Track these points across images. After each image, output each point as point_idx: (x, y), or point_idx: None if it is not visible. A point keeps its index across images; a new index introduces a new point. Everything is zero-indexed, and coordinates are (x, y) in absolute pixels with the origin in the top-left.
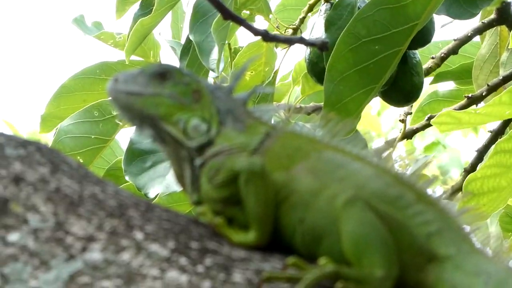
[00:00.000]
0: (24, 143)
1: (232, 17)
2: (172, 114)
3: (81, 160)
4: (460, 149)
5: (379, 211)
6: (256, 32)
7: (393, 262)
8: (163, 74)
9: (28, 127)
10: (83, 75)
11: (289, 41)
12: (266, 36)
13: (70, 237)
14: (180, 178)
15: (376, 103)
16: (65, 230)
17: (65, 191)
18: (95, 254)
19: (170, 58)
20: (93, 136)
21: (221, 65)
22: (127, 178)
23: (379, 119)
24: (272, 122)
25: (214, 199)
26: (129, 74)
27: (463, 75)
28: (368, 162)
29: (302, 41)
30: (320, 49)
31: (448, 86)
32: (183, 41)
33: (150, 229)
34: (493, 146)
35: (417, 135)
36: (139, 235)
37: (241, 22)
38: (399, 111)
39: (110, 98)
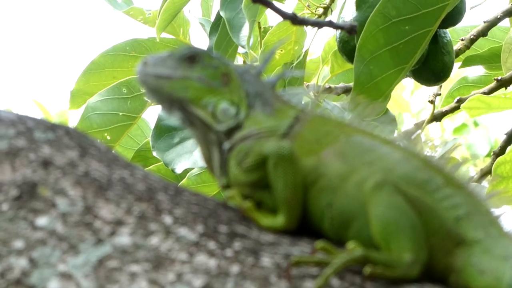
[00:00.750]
0: (53, 127)
1: (260, 1)
2: (201, 97)
3: (108, 137)
4: (490, 126)
5: (407, 194)
6: (284, 15)
7: (422, 246)
8: (192, 57)
9: (57, 106)
10: (114, 52)
11: (318, 24)
12: (295, 20)
13: (98, 221)
14: (208, 161)
15: (408, 84)
16: (94, 214)
17: (93, 175)
18: (123, 238)
19: (199, 35)
20: (121, 113)
21: (251, 41)
22: (154, 154)
23: (410, 101)
24: (301, 104)
25: (243, 183)
26: (158, 57)
27: (492, 59)
28: (396, 146)
29: (331, 24)
30: (349, 32)
31: (477, 71)
32: (212, 18)
33: (178, 213)
34: None
35: (449, 118)
36: (167, 219)
37: (269, 4)
38: (429, 92)
39: (139, 80)
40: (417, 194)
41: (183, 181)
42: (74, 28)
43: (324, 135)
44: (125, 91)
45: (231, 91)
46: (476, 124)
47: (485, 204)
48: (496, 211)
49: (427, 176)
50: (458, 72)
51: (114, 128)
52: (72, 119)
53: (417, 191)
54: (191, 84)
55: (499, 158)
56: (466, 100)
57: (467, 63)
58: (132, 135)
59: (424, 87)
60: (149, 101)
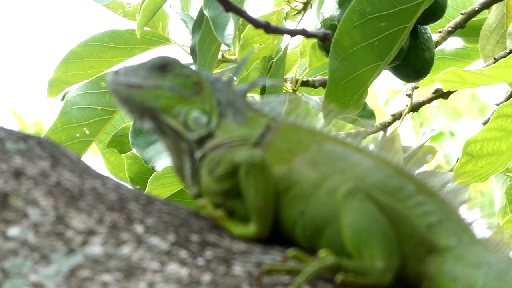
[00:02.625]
0: (24, 137)
1: (233, 9)
2: (172, 106)
3: (87, 132)
4: (466, 137)
5: (379, 202)
6: (257, 24)
7: (394, 253)
8: (163, 66)
9: (33, 115)
10: (92, 42)
11: (291, 33)
12: (268, 28)
13: (70, 231)
14: (179, 171)
15: (382, 94)
16: (66, 224)
17: (65, 185)
18: (95, 248)
19: (178, 29)
20: (99, 108)
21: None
22: (134, 151)
23: (384, 109)
24: (273, 113)
25: (215, 191)
26: (129, 66)
27: (470, 33)
28: (368, 153)
29: (304, 33)
30: (322, 40)
31: (455, 44)
32: (191, 12)
33: (150, 222)
34: (497, 109)
35: (424, 125)
36: (139, 229)
37: (242, 14)
38: (404, 102)
39: (110, 90)
40: (389, 201)
41: (158, 172)
42: (54, 23)
43: (296, 143)
44: (103, 85)
45: (203, 100)
46: (452, 134)
47: (457, 211)
48: (468, 218)
49: (399, 183)
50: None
51: (93, 122)
52: (47, 125)
53: (389, 199)
54: (162, 93)
55: (470, 137)
56: (442, 72)
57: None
58: (113, 121)
59: (398, 96)
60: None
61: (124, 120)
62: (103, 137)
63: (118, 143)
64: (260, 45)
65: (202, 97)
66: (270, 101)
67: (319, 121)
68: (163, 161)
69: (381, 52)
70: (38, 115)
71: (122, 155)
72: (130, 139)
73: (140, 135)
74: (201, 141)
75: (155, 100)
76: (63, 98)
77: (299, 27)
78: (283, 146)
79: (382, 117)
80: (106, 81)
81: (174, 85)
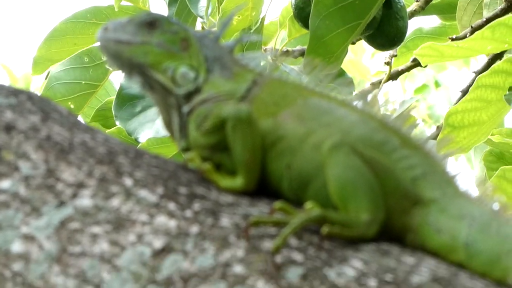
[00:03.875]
0: (15, 92)
1: None
2: (160, 62)
3: (72, 106)
4: (451, 87)
5: (364, 156)
6: None
7: (379, 206)
8: (151, 23)
9: (22, 69)
10: (74, 19)
11: None
12: None
13: (60, 183)
14: (168, 125)
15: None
16: (56, 177)
17: (55, 138)
18: (85, 201)
19: (158, 3)
20: (83, 82)
21: (209, 11)
22: (117, 123)
23: (369, 66)
24: (259, 68)
25: (202, 145)
26: (118, 22)
27: (446, 10)
28: (353, 108)
29: None
30: None
31: (432, 23)
32: None
33: (139, 176)
34: (476, 80)
35: (408, 77)
36: (128, 182)
37: None
38: (386, 54)
39: (100, 46)
40: (374, 155)
41: (143, 143)
42: None
43: (282, 97)
44: (86, 60)
45: (190, 56)
46: (437, 84)
47: (441, 164)
48: (452, 171)
49: (384, 137)
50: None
51: (77, 96)
52: (35, 82)
53: (374, 152)
54: (150, 49)
55: (450, 108)
56: (419, 47)
57: (422, 13)
58: (97, 95)
59: (381, 53)
60: (110, 68)
61: (108, 94)
62: (88, 111)
63: (102, 117)
64: (239, 17)
65: (189, 53)
66: (256, 57)
67: (304, 75)
68: (146, 132)
69: (361, 11)
70: (27, 70)
71: (107, 131)
72: (113, 112)
73: (123, 107)
74: (189, 96)
75: (144, 56)
76: (47, 76)
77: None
78: (269, 100)
79: (366, 73)
80: (95, 36)
81: (162, 41)
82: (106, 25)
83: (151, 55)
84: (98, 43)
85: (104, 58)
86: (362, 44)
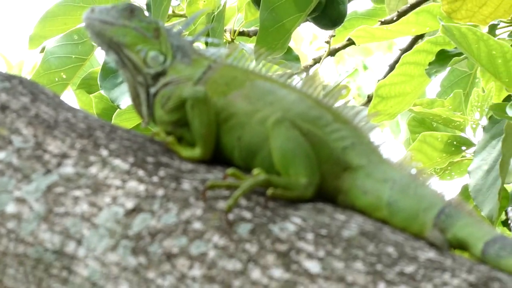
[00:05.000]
0: (9, 77)
1: None
2: (136, 44)
3: (64, 76)
4: (377, 69)
5: (302, 129)
6: None
7: (315, 171)
8: (132, 10)
9: (17, 57)
10: (65, 3)
11: None
12: None
13: (47, 154)
14: (134, 99)
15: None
16: (43, 149)
17: (43, 116)
18: (68, 169)
19: None
20: (73, 56)
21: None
22: (102, 92)
23: (307, 51)
24: (214, 56)
25: (166, 121)
26: (103, 7)
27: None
28: (293, 88)
29: None
30: None
31: (366, 6)
32: None
33: (113, 147)
34: (402, 58)
35: (340, 62)
36: (104, 152)
37: None
38: (325, 37)
39: (85, 24)
40: (310, 128)
41: (118, 112)
42: None
43: (232, 80)
44: (76, 38)
45: (160, 43)
46: (365, 67)
47: (368, 135)
48: (377, 140)
49: (319, 113)
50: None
51: (69, 68)
52: (28, 68)
53: (310, 126)
54: (129, 31)
55: (379, 82)
56: (354, 30)
57: None
58: (84, 67)
59: (319, 38)
60: (96, 44)
61: (93, 66)
62: (77, 81)
63: (87, 85)
64: (204, 1)
65: (159, 41)
66: (212, 49)
67: (252, 63)
68: (126, 99)
69: (303, 4)
70: (21, 57)
71: (91, 95)
72: (98, 82)
73: (107, 78)
74: (156, 77)
75: (123, 36)
76: (42, 50)
77: None
78: (222, 82)
79: (304, 59)
80: (82, 16)
81: (139, 27)
82: (92, 7)
83: (129, 36)
84: (84, 26)
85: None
86: (301, 33)
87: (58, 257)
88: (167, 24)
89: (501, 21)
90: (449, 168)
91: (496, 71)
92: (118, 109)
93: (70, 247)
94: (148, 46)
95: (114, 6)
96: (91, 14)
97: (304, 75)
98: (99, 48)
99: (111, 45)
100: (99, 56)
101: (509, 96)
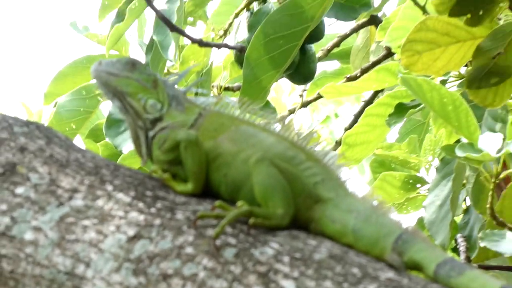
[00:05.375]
0: (27, 123)
1: (177, 30)
2: (137, 93)
3: (73, 126)
4: (347, 118)
5: (280, 167)
6: (193, 40)
7: (290, 203)
8: (133, 64)
9: (36, 106)
10: (74, 64)
11: (217, 46)
12: (201, 43)
13: (60, 189)
14: (135, 141)
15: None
16: (57, 184)
17: (56, 156)
18: (78, 201)
19: (136, 52)
20: (82, 109)
21: (176, 56)
22: (107, 139)
23: (286, 102)
24: (204, 104)
25: (162, 161)
26: (109, 60)
27: (343, 56)
28: (271, 132)
29: (226, 46)
30: (240, 51)
31: (333, 66)
32: (145, 39)
33: (117, 183)
34: (366, 111)
35: (315, 111)
36: (109, 187)
37: (182, 33)
38: (298, 91)
39: (93, 75)
40: (287, 166)
41: (123, 155)
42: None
43: (220, 125)
44: (84, 93)
45: (158, 93)
46: (336, 115)
47: (336, 172)
48: (344, 177)
49: (294, 153)
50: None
51: (77, 119)
52: (46, 115)
53: (286, 164)
54: (131, 82)
55: (347, 132)
56: (324, 86)
57: (327, 59)
58: (91, 119)
59: (296, 91)
60: (101, 99)
61: (98, 118)
62: (84, 131)
63: (94, 135)
64: (194, 61)
65: (157, 91)
66: (202, 98)
67: (237, 111)
68: (127, 145)
69: (280, 62)
70: (40, 107)
71: (98, 143)
72: (104, 131)
73: (111, 128)
74: (154, 122)
75: (126, 86)
76: (55, 105)
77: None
78: (211, 127)
79: (283, 108)
80: (90, 69)
81: (139, 78)
82: (100, 61)
83: (131, 86)
84: (92, 77)
85: (96, 91)
86: (282, 86)
87: (70, 277)
88: (163, 77)
89: (450, 76)
90: (405, 203)
91: (447, 116)
92: (122, 155)
93: (80, 269)
94: (148, 95)
95: (119, 59)
96: (98, 66)
97: (281, 121)
98: (105, 96)
99: (115, 94)
100: (104, 109)
101: (458, 140)
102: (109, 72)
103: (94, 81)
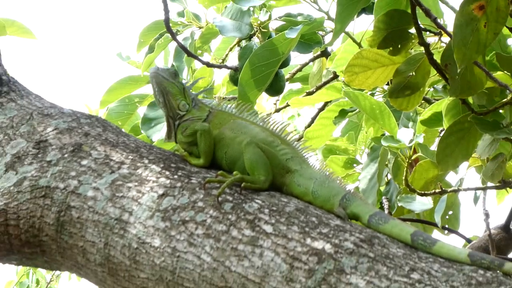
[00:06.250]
0: (89, 116)
1: (191, 55)
2: (176, 95)
3: (120, 123)
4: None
5: (262, 148)
6: (203, 62)
7: (269, 173)
8: (176, 74)
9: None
10: (120, 81)
11: (219, 67)
12: (208, 64)
13: (111, 161)
14: (168, 127)
15: (265, 96)
16: (110, 158)
17: (109, 139)
18: (124, 170)
19: None
20: (125, 112)
21: (188, 77)
22: (142, 131)
23: (265, 106)
24: (211, 105)
25: (183, 142)
26: (163, 68)
27: (304, 79)
28: (257, 125)
29: (225, 66)
30: (235, 70)
31: (297, 86)
32: (168, 64)
33: (151, 158)
34: (319, 115)
35: (284, 112)
36: (146, 161)
37: (195, 57)
38: (273, 100)
39: (152, 75)
40: (267, 148)
41: (155, 142)
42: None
43: (223, 119)
44: (127, 101)
45: (185, 96)
46: (299, 114)
47: (301, 152)
48: (306, 156)
49: (272, 139)
50: (288, 86)
51: (122, 119)
52: (101, 113)
53: (267, 146)
54: (174, 87)
55: (307, 129)
56: (292, 99)
57: (292, 81)
58: (131, 120)
59: (272, 99)
60: (138, 105)
61: (136, 119)
62: (127, 127)
63: (134, 130)
64: (204, 77)
65: (185, 95)
66: (210, 101)
67: (233, 110)
68: (156, 135)
69: (262, 82)
70: (96, 108)
71: (137, 137)
72: (140, 125)
73: (145, 124)
74: (181, 117)
75: (171, 88)
76: (107, 109)
77: (222, 71)
78: (217, 121)
79: (263, 110)
80: (150, 70)
81: (178, 85)
82: (157, 67)
83: (174, 89)
84: (151, 76)
85: (135, 99)
86: (262, 95)
87: (118, 222)
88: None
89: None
90: (346, 177)
91: (375, 117)
92: (153, 143)
93: (125, 216)
94: (181, 97)
95: (169, 69)
96: (157, 70)
97: (263, 119)
98: (154, 92)
99: (163, 92)
100: (140, 112)
101: (383, 134)
102: (163, 76)
103: (135, 92)
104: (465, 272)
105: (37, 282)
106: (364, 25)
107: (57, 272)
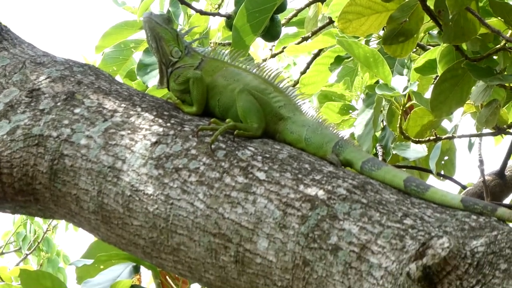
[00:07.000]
0: (82, 65)
1: (184, 3)
2: (169, 40)
3: (115, 68)
4: (302, 65)
5: (255, 95)
6: (196, 10)
7: (262, 120)
8: (170, 20)
9: (91, 56)
10: (116, 26)
11: (213, 14)
12: (202, 12)
13: (104, 110)
14: (160, 73)
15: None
16: (103, 107)
17: (102, 87)
18: (117, 118)
19: None
20: (120, 57)
21: (184, 23)
22: (138, 77)
23: (260, 55)
24: (204, 53)
25: (176, 90)
26: (156, 13)
27: (299, 23)
28: (250, 72)
29: (219, 14)
30: (228, 18)
31: (293, 30)
32: (164, 10)
33: (144, 106)
34: (315, 61)
35: (280, 60)
36: (138, 109)
37: (189, 5)
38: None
39: (145, 20)
40: (260, 95)
41: (149, 89)
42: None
43: (215, 67)
44: (122, 46)
45: (179, 43)
46: (294, 63)
47: (294, 100)
48: (300, 103)
49: (265, 86)
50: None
51: (117, 64)
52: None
53: (260, 94)
54: (167, 32)
55: (303, 75)
56: (289, 45)
57: (289, 25)
58: (126, 65)
59: (268, 46)
60: (134, 50)
61: (132, 64)
62: (122, 72)
63: (129, 76)
64: (198, 25)
65: (179, 42)
66: (202, 48)
67: (226, 58)
68: (151, 81)
69: (257, 27)
70: (94, 57)
71: (132, 82)
72: (135, 71)
73: (140, 70)
74: (173, 64)
75: (164, 34)
76: (102, 54)
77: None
78: (209, 68)
79: (258, 59)
80: (143, 15)
81: (172, 30)
82: (150, 12)
83: (167, 35)
84: (144, 21)
85: (131, 45)
86: (257, 43)
87: (111, 170)
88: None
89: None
90: (342, 123)
91: (369, 65)
92: (148, 89)
93: (118, 164)
94: (174, 44)
95: (162, 14)
96: (150, 15)
97: (257, 66)
98: (147, 37)
99: (156, 37)
100: (136, 57)
101: (377, 81)
102: (156, 21)
103: (130, 38)
104: (458, 217)
105: (35, 232)
106: None
107: (54, 222)
